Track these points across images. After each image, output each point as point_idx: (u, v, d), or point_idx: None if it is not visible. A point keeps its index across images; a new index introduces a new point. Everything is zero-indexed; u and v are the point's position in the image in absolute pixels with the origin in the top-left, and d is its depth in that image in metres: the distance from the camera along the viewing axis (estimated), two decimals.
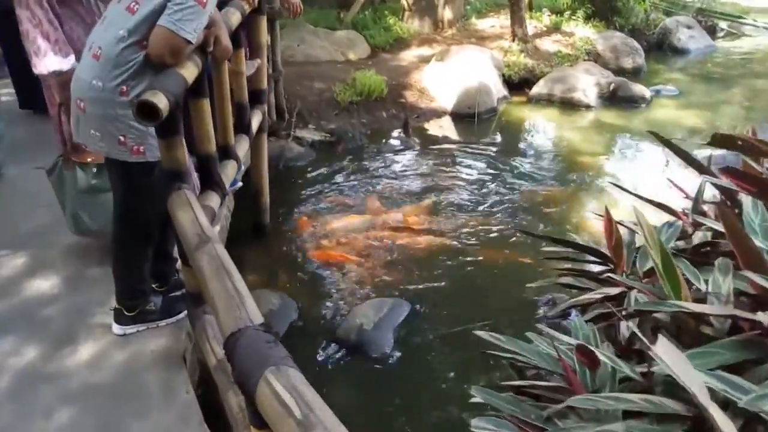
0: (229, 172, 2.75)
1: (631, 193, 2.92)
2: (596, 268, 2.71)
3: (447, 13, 8.72)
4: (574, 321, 2.07)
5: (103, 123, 2.07)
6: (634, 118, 6.24)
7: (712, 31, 9.37)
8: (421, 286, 3.49)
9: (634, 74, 7.64)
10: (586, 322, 2.18)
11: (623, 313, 1.94)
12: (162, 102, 1.80)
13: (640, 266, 2.39)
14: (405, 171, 5.15)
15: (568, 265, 2.67)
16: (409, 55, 7.86)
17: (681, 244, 2.46)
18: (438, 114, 6.55)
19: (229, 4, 2.77)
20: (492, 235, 4.04)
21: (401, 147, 5.68)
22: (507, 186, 4.80)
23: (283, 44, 5.90)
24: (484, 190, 4.72)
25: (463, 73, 6.64)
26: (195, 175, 2.55)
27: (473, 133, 6.05)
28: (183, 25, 1.95)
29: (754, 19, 9.70)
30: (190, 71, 2.06)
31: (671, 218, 2.94)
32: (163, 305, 2.56)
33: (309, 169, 5.19)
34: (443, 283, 3.54)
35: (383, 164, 5.30)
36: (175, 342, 2.46)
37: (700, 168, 2.61)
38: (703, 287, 1.90)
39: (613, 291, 2.26)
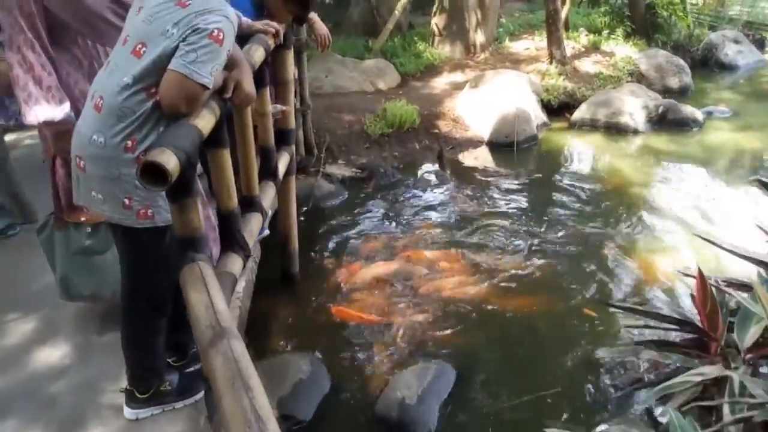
0: (254, 228, 2.45)
1: (713, 242, 2.52)
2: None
3: (479, 37, 8.43)
4: (672, 417, 1.67)
5: (105, 184, 1.79)
6: (688, 144, 5.79)
7: (761, 45, 8.87)
8: (466, 346, 3.11)
9: (681, 94, 7.19)
10: (681, 411, 1.79)
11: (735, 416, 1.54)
12: (171, 162, 1.50)
13: (739, 336, 1.99)
14: (441, 209, 4.80)
15: (650, 335, 2.26)
16: (441, 83, 7.57)
17: None
18: (474, 144, 6.21)
19: (251, 40, 2.49)
20: (542, 282, 3.64)
21: (436, 182, 5.34)
22: (554, 225, 4.40)
23: (310, 75, 5.67)
24: (529, 231, 4.32)
25: (499, 99, 6.30)
26: (214, 233, 2.26)
27: (513, 164, 5.67)
28: (198, 68, 1.66)
29: None
30: (205, 121, 1.76)
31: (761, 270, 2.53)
32: (180, 384, 2.25)
33: (339, 208, 4.88)
34: (492, 342, 3.16)
35: (417, 202, 4.96)
36: (194, 427, 2.15)
37: None
38: None
39: (712, 371, 1.86)
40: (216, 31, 1.68)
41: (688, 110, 6.25)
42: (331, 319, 3.39)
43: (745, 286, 2.32)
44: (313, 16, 3.43)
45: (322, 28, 3.49)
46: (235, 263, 2.11)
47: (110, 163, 1.75)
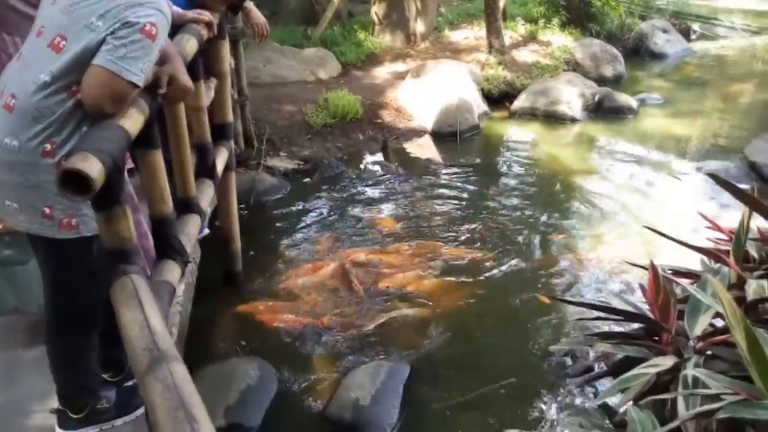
0: (192, 231, 2.30)
1: (661, 234, 2.56)
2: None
3: (419, 26, 8.38)
4: (630, 412, 1.67)
5: (21, 192, 1.61)
6: (624, 131, 5.96)
7: (686, 34, 9.25)
8: (418, 342, 3.07)
9: (615, 82, 7.40)
10: (637, 404, 1.80)
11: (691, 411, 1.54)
12: (95, 169, 1.35)
13: (689, 326, 2.02)
14: (386, 201, 4.74)
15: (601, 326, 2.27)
16: (382, 72, 7.49)
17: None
18: (418, 133, 6.17)
19: (182, 30, 2.32)
20: (490, 274, 3.64)
21: (381, 173, 5.27)
22: (500, 215, 4.42)
23: (247, 65, 5.46)
24: (476, 221, 4.32)
25: (441, 89, 6.28)
26: (147, 240, 2.10)
27: (457, 153, 5.68)
28: (127, 65, 1.51)
29: (731, 21, 9.61)
30: (133, 121, 1.61)
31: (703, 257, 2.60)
32: (118, 400, 2.08)
33: (283, 202, 4.74)
34: (443, 336, 3.13)
35: (362, 193, 4.88)
36: None
37: (744, 197, 2.24)
38: None
39: (666, 362, 1.88)
40: (148, 25, 1.53)
41: (623, 98, 6.43)
42: (278, 320, 3.27)
43: (690, 275, 2.37)
44: (249, 4, 3.27)
45: (258, 17, 3.33)
46: (172, 271, 1.97)
47: (26, 169, 1.57)
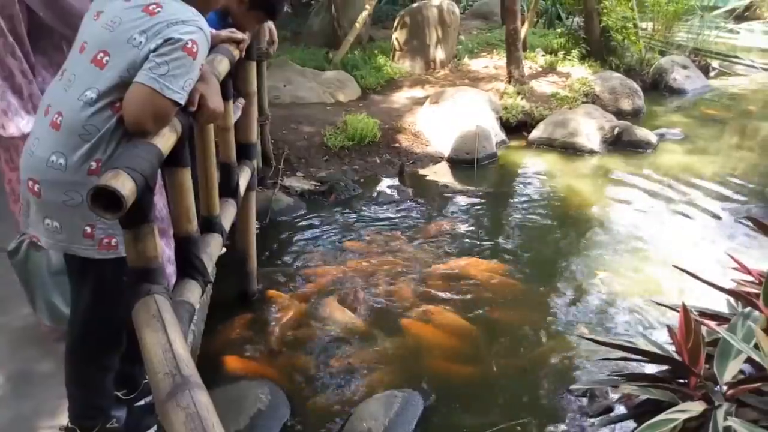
0: (214, 251, 2.28)
1: (691, 274, 2.50)
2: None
3: (439, 53, 8.44)
4: None
5: (64, 211, 1.60)
6: (644, 164, 5.91)
7: (705, 71, 9.24)
8: (434, 373, 3.01)
9: (634, 116, 7.37)
10: None
11: None
12: (126, 186, 1.35)
13: (719, 371, 1.96)
14: (402, 225, 4.70)
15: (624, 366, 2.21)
16: (401, 97, 7.52)
17: None
18: (434, 159, 6.17)
19: (215, 50, 2.34)
20: (507, 304, 3.58)
21: (397, 197, 5.25)
22: (519, 245, 4.38)
23: (268, 85, 5.50)
24: (492, 250, 4.28)
25: (459, 116, 6.28)
26: (171, 260, 2.08)
27: (473, 181, 5.65)
28: (169, 82, 1.51)
29: (751, 60, 9.61)
30: (166, 140, 1.60)
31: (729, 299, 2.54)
32: (128, 420, 2.06)
33: (298, 223, 4.72)
34: (458, 367, 3.07)
35: (378, 217, 4.85)
36: None
37: None
38: None
39: (695, 408, 1.82)
40: (190, 42, 1.53)
41: (643, 132, 6.40)
42: (289, 343, 3.23)
43: (718, 317, 2.32)
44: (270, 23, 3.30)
45: (273, 30, 3.37)
46: (193, 291, 1.95)
47: (72, 187, 1.57)
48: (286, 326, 3.34)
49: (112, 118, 1.55)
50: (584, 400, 2.74)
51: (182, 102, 1.57)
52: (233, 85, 2.66)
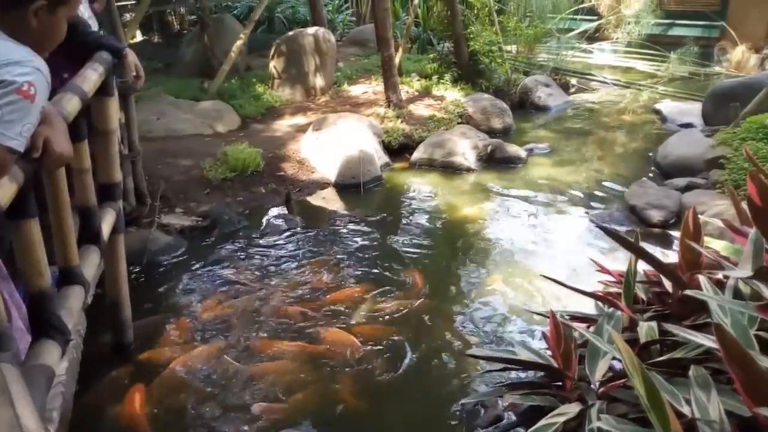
0: (74, 305, 2.09)
1: (556, 281, 2.67)
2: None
3: (318, 81, 8.50)
4: None
5: None
6: (516, 178, 6.28)
7: (565, 88, 10.02)
8: (324, 408, 2.95)
9: (505, 134, 7.83)
10: None
11: None
12: None
13: (590, 371, 2.09)
14: (291, 257, 4.63)
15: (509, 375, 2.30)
16: (283, 125, 7.47)
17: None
18: (321, 186, 6.16)
19: (63, 88, 2.17)
20: (396, 326, 3.62)
21: (284, 227, 5.16)
22: (403, 264, 4.46)
23: (139, 118, 5.22)
24: (380, 273, 4.32)
25: (342, 141, 6.35)
26: (23, 320, 1.88)
27: (360, 205, 5.71)
28: (4, 129, 1.38)
29: (603, 76, 10.57)
30: (5, 191, 1.46)
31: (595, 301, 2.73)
32: None
33: (179, 263, 4.50)
34: (346, 391, 3.04)
35: (266, 250, 4.74)
36: None
37: (630, 246, 2.40)
38: (686, 410, 1.61)
39: (572, 409, 1.92)
40: (26, 84, 1.41)
41: (513, 149, 6.81)
42: (176, 396, 3.03)
43: (587, 319, 2.48)
44: (127, 50, 3.12)
45: (138, 64, 3.20)
46: (51, 352, 1.77)
47: None
48: (166, 378, 3.14)
49: None
50: (480, 411, 2.81)
51: (21, 149, 1.43)
52: (88, 123, 2.48)
